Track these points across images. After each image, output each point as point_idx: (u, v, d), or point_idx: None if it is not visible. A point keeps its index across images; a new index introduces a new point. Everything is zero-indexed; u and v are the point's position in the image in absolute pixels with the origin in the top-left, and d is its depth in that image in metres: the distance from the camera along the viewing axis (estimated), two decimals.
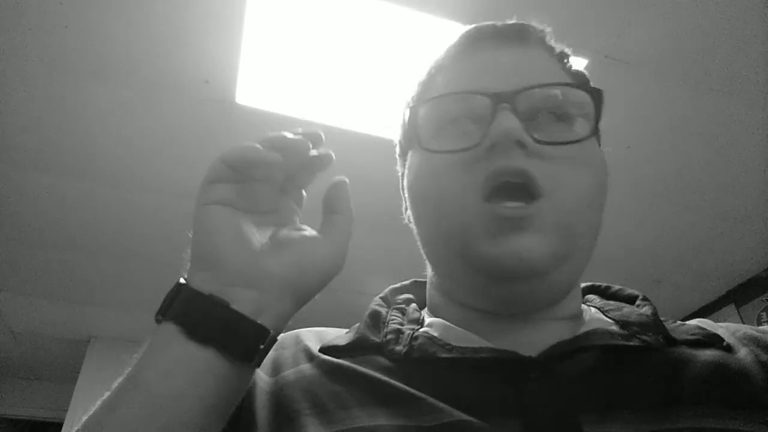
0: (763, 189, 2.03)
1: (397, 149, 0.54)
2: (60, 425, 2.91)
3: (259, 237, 0.38)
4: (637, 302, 0.47)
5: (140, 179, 1.97)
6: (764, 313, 2.52)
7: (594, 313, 0.46)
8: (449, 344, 0.40)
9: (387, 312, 0.47)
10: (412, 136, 0.47)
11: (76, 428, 0.33)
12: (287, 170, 0.38)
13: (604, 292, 0.51)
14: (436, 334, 0.41)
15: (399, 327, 0.44)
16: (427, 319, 0.45)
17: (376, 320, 0.46)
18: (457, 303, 0.45)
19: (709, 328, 0.43)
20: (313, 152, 0.40)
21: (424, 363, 0.39)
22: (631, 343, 0.39)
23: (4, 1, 1.38)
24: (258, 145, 0.38)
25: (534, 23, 0.49)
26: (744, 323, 2.58)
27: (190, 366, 0.32)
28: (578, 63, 1.56)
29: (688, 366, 0.38)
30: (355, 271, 2.47)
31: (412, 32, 1.48)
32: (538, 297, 0.42)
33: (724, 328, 0.44)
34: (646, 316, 0.43)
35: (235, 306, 0.34)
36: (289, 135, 0.38)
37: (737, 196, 2.07)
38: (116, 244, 2.31)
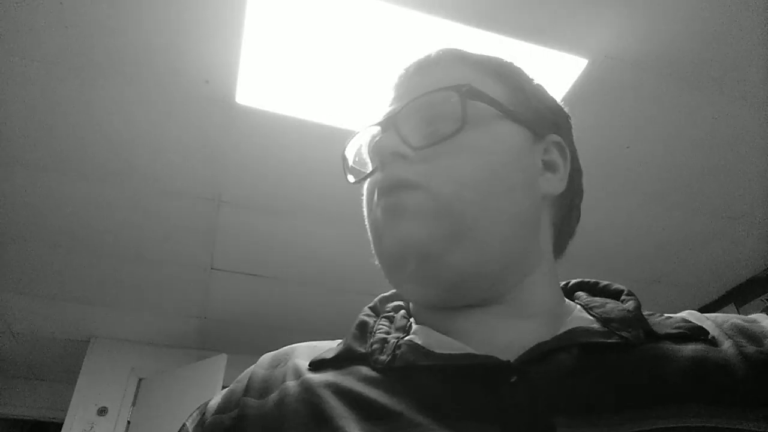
0: (763, 189, 2.03)
1: None
2: (60, 425, 2.91)
3: None
4: (622, 297, 0.47)
5: (140, 179, 1.97)
6: (764, 313, 2.52)
7: (577, 312, 0.45)
8: (431, 351, 0.40)
9: (375, 321, 0.47)
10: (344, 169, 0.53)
11: None
12: None
13: (593, 288, 0.50)
14: (419, 342, 0.41)
15: (385, 336, 0.44)
16: (414, 326, 0.45)
17: (363, 330, 0.46)
18: (416, 304, 0.48)
19: (695, 321, 0.43)
20: None
21: (406, 371, 0.39)
22: (609, 341, 0.39)
23: (5, 1, 1.38)
24: None
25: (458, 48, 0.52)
26: None
27: None
28: (578, 63, 1.57)
29: (668, 362, 0.37)
30: (355, 272, 2.47)
31: (412, 32, 1.48)
32: (454, 282, 0.42)
33: (711, 320, 0.43)
34: (628, 311, 0.43)
35: None
36: None
37: (737, 196, 2.07)
38: (116, 244, 2.31)
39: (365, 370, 0.41)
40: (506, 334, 0.42)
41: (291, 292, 2.67)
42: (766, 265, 2.52)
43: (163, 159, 1.89)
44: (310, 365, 0.43)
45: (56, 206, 2.09)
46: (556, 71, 1.58)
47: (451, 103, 0.44)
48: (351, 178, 0.51)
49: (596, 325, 0.42)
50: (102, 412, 2.92)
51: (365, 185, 0.49)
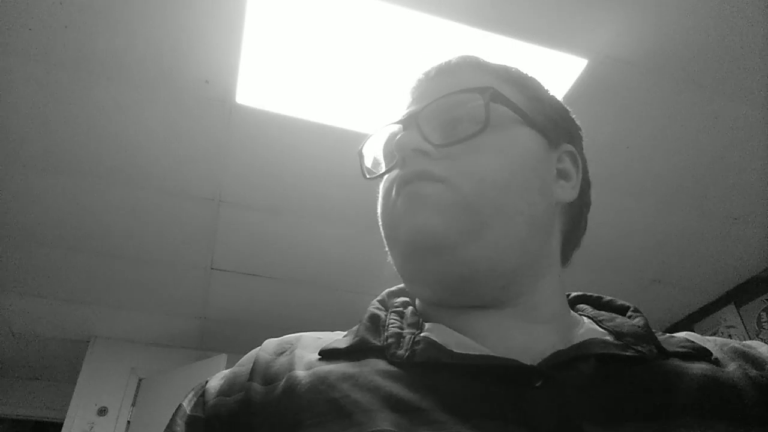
0: (763, 189, 2.03)
1: None
2: (60, 425, 2.90)
3: None
4: (629, 313, 0.47)
5: (140, 179, 1.97)
6: (764, 313, 2.52)
7: (587, 323, 0.46)
8: (451, 350, 0.40)
9: (386, 315, 0.47)
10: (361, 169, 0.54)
11: None
12: None
13: (596, 302, 0.51)
14: (437, 340, 0.41)
15: (399, 331, 0.44)
16: (427, 324, 0.45)
17: (375, 323, 0.46)
18: (423, 302, 0.48)
19: (697, 341, 0.44)
20: None
21: (427, 368, 0.39)
22: (627, 353, 0.40)
23: (5, 1, 1.38)
24: None
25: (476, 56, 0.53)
26: (744, 323, 2.59)
27: None
28: (578, 63, 1.57)
29: (681, 378, 0.38)
30: (354, 271, 2.47)
31: (412, 32, 1.48)
32: (466, 276, 0.42)
33: (712, 342, 0.44)
34: (639, 327, 0.44)
35: None
36: None
37: (737, 196, 2.07)
38: (116, 244, 2.31)
39: (382, 363, 0.40)
40: (520, 339, 0.42)
41: (291, 292, 2.67)
42: (766, 265, 2.52)
43: (163, 159, 1.89)
44: (320, 354, 0.43)
45: (56, 206, 2.09)
46: (556, 71, 1.58)
47: (474, 105, 0.45)
48: (367, 175, 0.51)
49: (610, 338, 0.42)
50: (102, 412, 2.92)
51: (381, 183, 0.49)
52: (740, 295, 2.66)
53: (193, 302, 2.78)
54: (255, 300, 2.74)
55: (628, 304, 0.49)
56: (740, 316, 2.63)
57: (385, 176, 0.49)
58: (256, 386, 0.41)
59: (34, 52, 1.52)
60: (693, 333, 0.47)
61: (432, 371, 0.39)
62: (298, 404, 0.37)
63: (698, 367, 0.40)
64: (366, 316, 0.47)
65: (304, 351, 0.44)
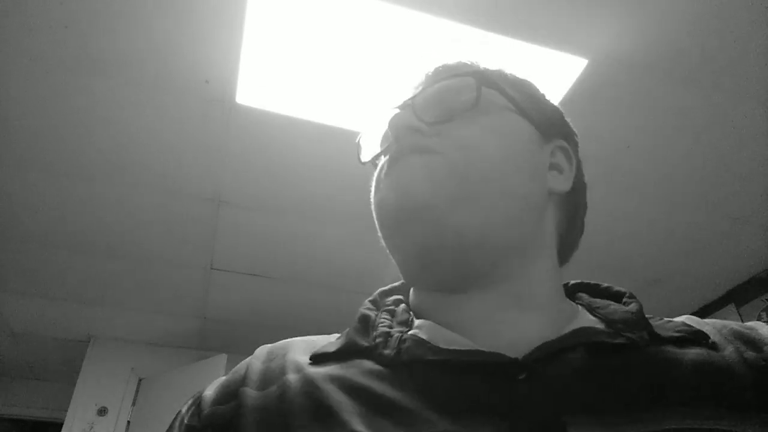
0: (763, 189, 2.03)
1: None
2: (60, 425, 2.91)
3: None
4: (624, 299, 0.47)
5: (140, 179, 1.97)
6: (764, 313, 2.52)
7: (582, 312, 0.46)
8: (437, 347, 0.40)
9: (376, 315, 0.47)
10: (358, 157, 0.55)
11: None
12: None
13: (593, 290, 0.51)
14: (424, 337, 0.41)
15: (388, 330, 0.44)
16: (416, 321, 0.45)
17: (365, 324, 0.45)
18: (416, 289, 0.48)
19: (695, 325, 0.43)
20: None
21: (414, 367, 0.39)
22: (616, 341, 0.39)
23: (5, 1, 1.38)
24: None
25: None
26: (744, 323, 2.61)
27: None
28: (578, 63, 1.57)
29: (674, 365, 0.38)
30: (354, 271, 2.47)
31: (412, 32, 1.48)
32: (453, 246, 0.42)
33: (711, 325, 0.44)
34: (632, 313, 0.43)
35: None
36: None
37: (737, 196, 2.07)
38: (116, 244, 2.31)
39: (369, 363, 0.40)
40: (510, 330, 0.42)
41: (291, 292, 2.67)
42: (766, 265, 2.52)
43: (163, 159, 1.89)
44: (311, 359, 0.43)
45: (56, 206, 2.09)
46: (556, 71, 1.58)
47: (466, 88, 0.46)
48: (363, 159, 0.53)
49: (601, 326, 0.42)
50: (102, 412, 2.92)
51: (376, 170, 0.50)
52: (740, 295, 2.66)
53: (193, 302, 2.78)
54: (255, 300, 2.74)
55: (624, 290, 0.48)
56: (740, 316, 2.63)
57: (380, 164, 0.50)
58: (250, 392, 0.41)
59: (34, 52, 1.52)
60: (692, 317, 0.46)
61: (418, 369, 0.39)
62: (288, 408, 0.38)
63: (692, 352, 0.39)
64: (356, 317, 0.47)
65: (296, 355, 0.44)
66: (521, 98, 0.49)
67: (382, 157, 0.49)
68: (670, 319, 0.45)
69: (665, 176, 1.98)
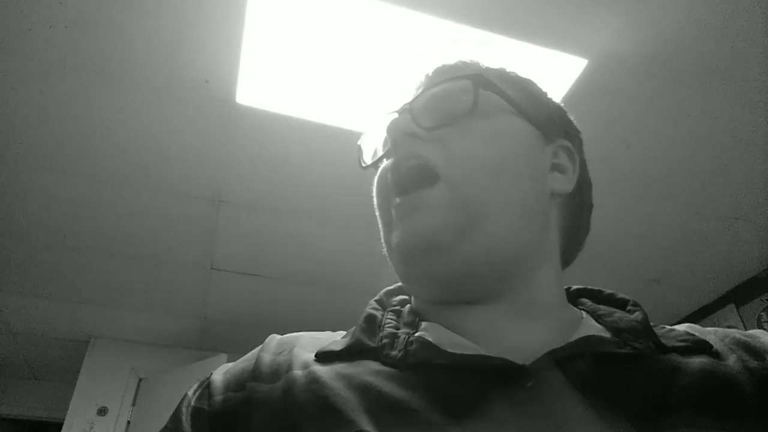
0: (763, 189, 2.03)
1: None
2: (60, 425, 2.90)
3: None
4: (628, 307, 0.47)
5: (140, 179, 1.97)
6: (764, 313, 2.52)
7: (586, 319, 0.46)
8: (445, 350, 0.40)
9: (383, 315, 0.47)
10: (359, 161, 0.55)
11: None
12: None
13: (596, 296, 0.51)
14: (431, 339, 0.41)
15: (394, 331, 0.44)
16: (423, 323, 0.45)
17: (371, 324, 0.46)
18: (419, 299, 0.48)
19: (698, 334, 0.43)
20: None
21: (420, 369, 0.39)
22: (623, 351, 0.39)
23: (5, 1, 1.38)
24: None
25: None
26: (744, 323, 2.59)
27: None
28: (578, 63, 1.57)
29: (679, 374, 0.38)
30: (354, 271, 2.47)
31: (412, 32, 1.48)
32: (463, 273, 0.43)
33: (713, 333, 0.44)
34: (637, 322, 0.43)
35: None
36: None
37: (737, 196, 2.07)
38: (117, 244, 2.31)
39: (375, 364, 0.40)
40: (516, 336, 0.42)
41: (291, 292, 2.67)
42: (766, 265, 2.52)
43: (164, 159, 1.89)
44: (316, 356, 0.43)
45: (56, 206, 2.09)
46: (556, 71, 1.58)
47: (464, 91, 0.46)
48: (364, 163, 0.53)
49: (607, 335, 0.42)
50: (102, 412, 2.92)
51: (377, 173, 0.50)
52: (740, 295, 2.66)
53: (193, 302, 2.78)
54: (255, 300, 2.74)
55: (627, 297, 0.48)
56: (740, 316, 2.63)
57: (381, 166, 0.49)
58: (258, 385, 0.41)
59: (34, 52, 1.52)
60: (694, 325, 0.46)
61: (425, 371, 0.39)
62: (293, 405, 0.38)
63: (696, 361, 0.39)
64: (362, 316, 0.47)
65: (302, 350, 0.44)
66: (522, 98, 0.49)
67: (384, 160, 0.49)
68: (673, 328, 0.45)
69: (665, 176, 1.98)
